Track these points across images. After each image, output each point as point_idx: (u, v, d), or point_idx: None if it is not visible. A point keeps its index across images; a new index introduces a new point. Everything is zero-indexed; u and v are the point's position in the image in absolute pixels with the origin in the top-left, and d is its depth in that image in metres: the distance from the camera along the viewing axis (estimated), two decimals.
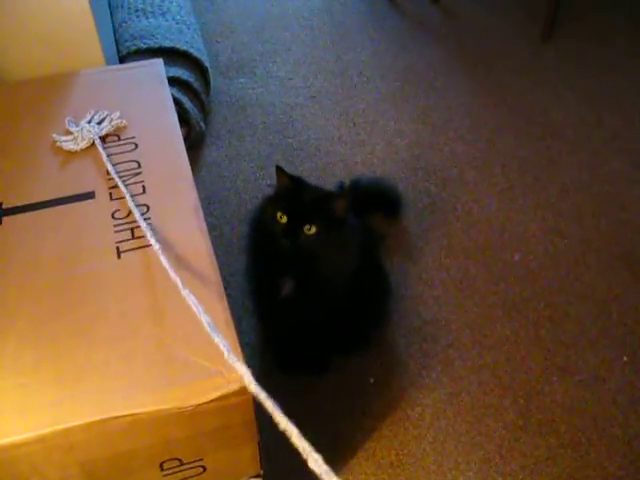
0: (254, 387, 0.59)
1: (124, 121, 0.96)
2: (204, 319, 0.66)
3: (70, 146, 0.93)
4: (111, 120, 0.96)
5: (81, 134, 0.93)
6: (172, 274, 0.72)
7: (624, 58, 2.05)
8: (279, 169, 1.06)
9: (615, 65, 2.03)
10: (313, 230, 1.01)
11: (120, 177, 0.88)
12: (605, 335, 1.32)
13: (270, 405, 0.56)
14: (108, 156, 0.91)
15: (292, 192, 1.06)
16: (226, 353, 0.62)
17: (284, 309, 1.10)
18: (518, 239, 1.50)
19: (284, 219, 1.02)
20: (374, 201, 1.47)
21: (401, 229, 1.52)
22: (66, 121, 0.96)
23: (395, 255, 1.46)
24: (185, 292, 0.70)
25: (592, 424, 1.18)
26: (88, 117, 0.97)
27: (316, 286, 1.07)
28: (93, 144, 0.93)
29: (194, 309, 0.68)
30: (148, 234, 0.78)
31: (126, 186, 0.87)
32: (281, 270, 1.06)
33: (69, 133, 0.95)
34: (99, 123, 0.96)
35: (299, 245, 1.02)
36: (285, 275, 1.06)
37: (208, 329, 0.65)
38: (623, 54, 2.07)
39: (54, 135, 0.94)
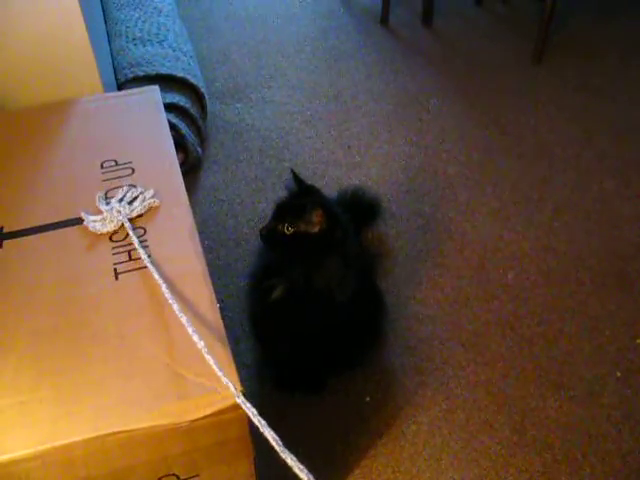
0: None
1: (157, 201, 0.91)
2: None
3: (97, 227, 0.87)
4: (144, 199, 0.90)
5: (110, 215, 0.88)
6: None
7: (613, 79, 2.10)
8: (293, 173, 1.11)
9: (605, 85, 2.07)
10: (290, 231, 1.04)
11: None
12: (598, 351, 1.33)
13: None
14: (139, 241, 0.85)
15: (292, 195, 1.10)
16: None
17: (273, 313, 1.12)
18: (511, 258, 1.52)
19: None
20: (353, 211, 1.41)
21: (395, 249, 1.54)
22: (97, 198, 0.91)
23: (390, 275, 1.48)
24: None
25: (586, 440, 1.19)
26: (120, 194, 0.91)
27: (305, 294, 1.08)
28: (122, 226, 0.88)
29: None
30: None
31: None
32: (273, 273, 1.10)
33: (98, 211, 0.89)
34: (130, 203, 0.90)
35: (268, 239, 1.07)
36: (276, 278, 1.09)
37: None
38: (612, 75, 2.11)
39: (82, 213, 0.88)
